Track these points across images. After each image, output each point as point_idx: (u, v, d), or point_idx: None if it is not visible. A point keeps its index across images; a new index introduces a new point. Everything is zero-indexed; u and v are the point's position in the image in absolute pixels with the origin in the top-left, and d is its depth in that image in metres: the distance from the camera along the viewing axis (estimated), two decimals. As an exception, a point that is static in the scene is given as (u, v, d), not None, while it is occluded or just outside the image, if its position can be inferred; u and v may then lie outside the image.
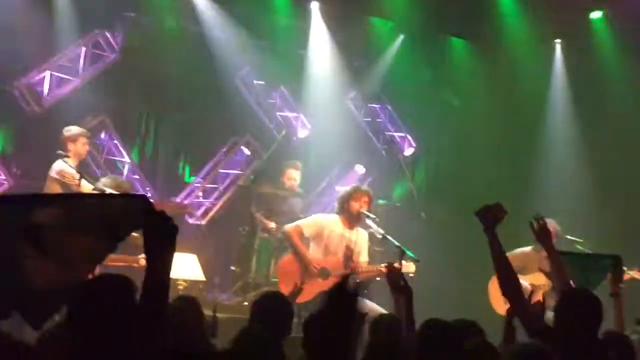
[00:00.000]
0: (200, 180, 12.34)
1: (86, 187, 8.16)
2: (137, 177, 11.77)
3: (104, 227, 3.39)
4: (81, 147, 8.98)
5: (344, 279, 3.22)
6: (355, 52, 12.88)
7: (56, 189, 8.29)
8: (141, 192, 11.03)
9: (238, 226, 10.97)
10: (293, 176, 10.74)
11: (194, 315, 4.87)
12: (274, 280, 9.47)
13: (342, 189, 8.85)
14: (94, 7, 11.15)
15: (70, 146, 8.88)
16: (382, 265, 8.31)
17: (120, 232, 3.41)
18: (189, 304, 4.97)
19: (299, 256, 8.51)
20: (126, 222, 3.38)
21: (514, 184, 12.44)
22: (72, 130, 9.05)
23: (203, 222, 12.07)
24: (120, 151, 11.80)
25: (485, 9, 12.04)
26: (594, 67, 12.33)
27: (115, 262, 7.00)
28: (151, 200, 3.35)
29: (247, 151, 12.57)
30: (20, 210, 3.42)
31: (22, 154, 10.93)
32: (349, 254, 8.55)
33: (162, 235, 3.25)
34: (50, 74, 11.17)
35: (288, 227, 8.71)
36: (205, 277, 9.30)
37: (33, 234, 3.33)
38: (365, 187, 8.78)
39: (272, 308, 5.13)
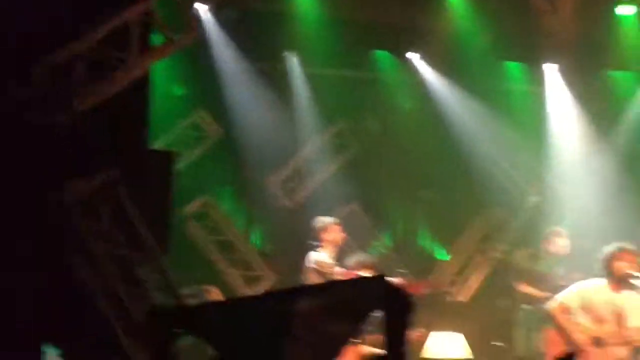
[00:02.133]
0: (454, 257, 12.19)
1: (340, 274, 8.30)
2: (391, 259, 11.82)
3: (349, 312, 3.42)
4: (335, 235, 9.16)
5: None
6: (598, 109, 12.40)
7: (314, 279, 8.48)
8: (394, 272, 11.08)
9: (498, 300, 10.74)
10: (562, 244, 10.40)
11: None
12: (538, 352, 9.13)
13: (604, 249, 8.39)
14: (332, 99, 11.49)
15: (324, 236, 9.09)
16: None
17: (361, 315, 3.45)
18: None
19: (565, 335, 8.11)
20: (367, 304, 3.39)
21: None
22: (322, 220, 9.28)
23: (463, 298, 11.87)
24: (373, 236, 11.91)
25: None
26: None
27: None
28: (390, 279, 3.38)
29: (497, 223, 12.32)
30: (284, 302, 3.55)
31: (281, 250, 11.31)
32: (620, 320, 8.08)
33: (403, 313, 3.25)
34: (299, 169, 11.54)
35: (552, 307, 8.34)
36: (474, 355, 9.12)
37: (294, 322, 3.41)
38: (629, 245, 8.30)
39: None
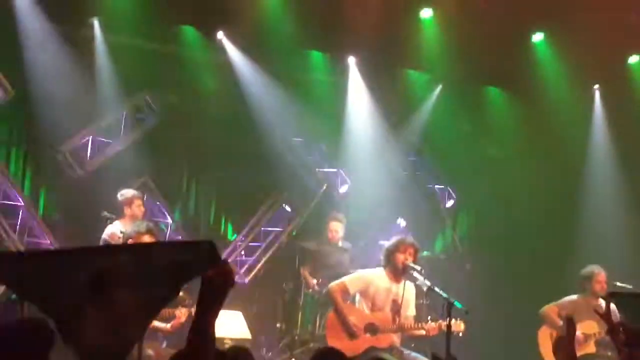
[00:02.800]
0: (243, 238, 12.35)
1: None
2: (180, 237, 11.81)
3: (169, 275, 3.39)
4: (137, 209, 9.05)
5: None
6: (393, 105, 12.88)
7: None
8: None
9: (282, 283, 10.97)
10: (335, 228, 10.81)
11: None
12: (319, 335, 9.41)
13: (387, 242, 8.77)
14: (134, 70, 11.28)
15: (127, 210, 8.97)
16: (431, 324, 8.25)
17: (182, 280, 3.42)
18: (243, 353, 4.95)
19: (341, 316, 8.42)
20: (190, 269, 3.37)
21: (557, 233, 12.36)
22: (126, 193, 9.15)
23: (246, 280, 12.06)
24: (163, 212, 11.86)
25: (522, 56, 12.02)
26: (634, 112, 12.27)
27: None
28: (216, 246, 3.33)
29: (288, 208, 12.58)
30: (89, 259, 3.47)
31: (67, 219, 11.04)
32: (397, 309, 8.47)
33: (220, 286, 3.26)
34: (93, 138, 11.30)
35: (332, 285, 8.63)
36: (251, 335, 9.26)
37: (98, 284, 3.35)
38: (410, 239, 8.72)
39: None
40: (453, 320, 7.85)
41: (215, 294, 3.27)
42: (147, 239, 7.83)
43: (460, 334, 8.15)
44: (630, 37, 11.42)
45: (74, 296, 3.37)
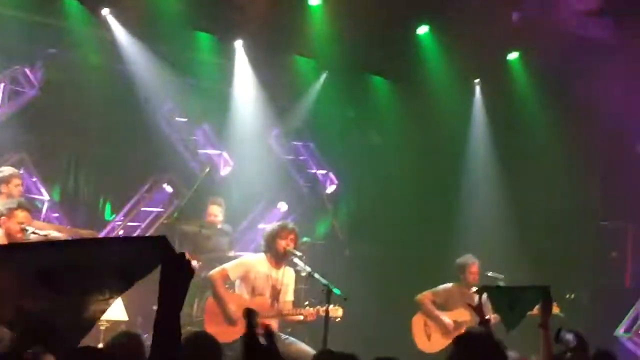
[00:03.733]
0: (122, 218, 12.18)
1: None
2: (57, 215, 11.57)
3: (120, 270, 3.38)
4: (14, 188, 8.76)
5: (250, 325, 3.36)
6: (279, 90, 12.90)
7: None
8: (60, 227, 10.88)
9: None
10: (214, 212, 10.82)
11: (138, 352, 4.83)
12: (198, 319, 9.38)
13: (267, 226, 8.82)
14: (13, 43, 10.96)
15: (3, 188, 8.68)
16: (309, 309, 8.34)
17: (135, 274, 3.41)
18: (132, 340, 4.93)
19: (221, 303, 8.42)
20: (142, 264, 3.36)
21: (435, 222, 12.65)
22: (4, 171, 8.86)
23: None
24: (39, 189, 11.57)
25: (406, 47, 12.22)
26: (512, 106, 12.64)
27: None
28: (168, 241, 3.33)
29: (169, 189, 12.47)
30: (34, 256, 3.40)
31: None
32: (275, 294, 8.53)
33: (180, 278, 3.26)
34: (-32, 110, 10.95)
35: (213, 272, 8.62)
36: (128, 317, 9.16)
37: (47, 277, 3.30)
38: (291, 224, 8.78)
39: (201, 349, 5.07)
40: (331, 306, 7.96)
41: (176, 286, 3.26)
42: (19, 214, 7.68)
43: (338, 320, 8.27)
44: (511, 34, 11.74)
45: (23, 292, 3.35)
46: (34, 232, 8.18)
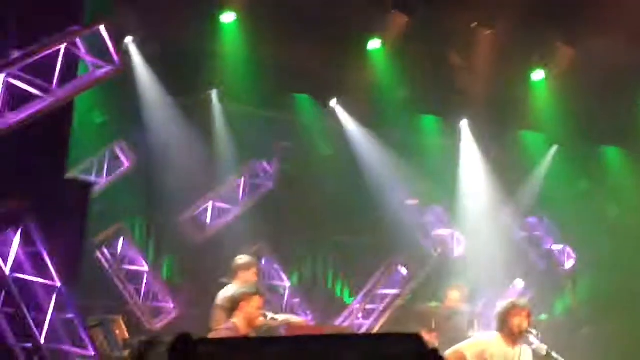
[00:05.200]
0: (360, 301, 12.41)
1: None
2: (297, 300, 11.97)
3: None
4: (251, 276, 9.17)
5: None
6: (508, 166, 12.83)
7: (221, 317, 8.49)
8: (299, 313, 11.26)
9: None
10: (454, 298, 10.77)
11: None
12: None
13: (499, 305, 8.69)
14: (251, 138, 11.63)
15: (242, 274, 9.10)
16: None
17: None
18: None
19: None
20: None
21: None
22: (244, 259, 9.32)
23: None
24: (280, 276, 12.04)
25: (636, 114, 11.85)
26: None
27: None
28: (424, 340, 3.31)
29: (404, 270, 12.59)
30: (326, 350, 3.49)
31: (188, 283, 11.35)
32: (513, 373, 8.36)
33: None
34: (212, 204, 11.65)
35: (448, 353, 8.55)
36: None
37: None
38: (523, 301, 8.62)
39: None
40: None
41: None
42: (257, 299, 7.94)
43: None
44: None
45: None
46: (272, 318, 8.52)
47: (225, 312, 8.40)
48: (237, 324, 7.75)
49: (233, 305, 7.91)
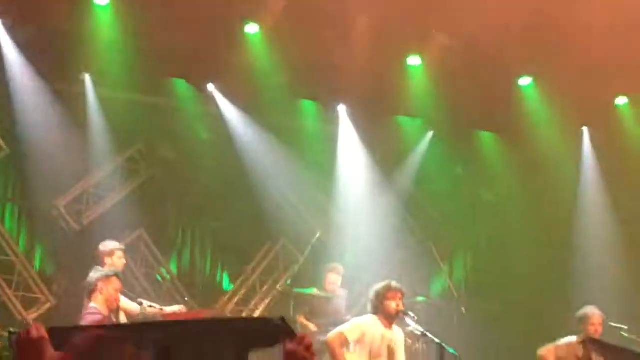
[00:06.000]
0: (239, 287, 12.36)
1: (123, 301, 8.26)
2: (176, 287, 11.84)
3: (236, 350, 3.43)
4: (117, 260, 9.09)
5: None
6: (385, 151, 12.99)
7: (87, 303, 8.30)
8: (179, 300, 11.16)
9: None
10: (333, 280, 10.85)
11: None
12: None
13: (375, 287, 8.77)
14: (127, 123, 11.42)
15: (107, 260, 9.00)
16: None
17: (248, 350, 3.44)
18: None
19: None
20: (260, 344, 3.42)
21: (552, 273, 12.39)
22: (107, 244, 9.21)
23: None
24: (159, 263, 11.89)
25: (510, 100, 12.16)
26: (623, 152, 12.36)
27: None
28: (289, 324, 3.37)
29: (283, 255, 12.60)
30: (155, 333, 3.50)
31: (63, 273, 11.07)
32: (392, 355, 8.48)
33: (302, 357, 3.28)
34: (88, 192, 11.38)
35: (331, 336, 8.60)
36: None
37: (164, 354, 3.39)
38: (396, 283, 8.75)
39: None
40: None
41: None
42: (113, 281, 7.86)
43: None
44: (617, 78, 11.54)
45: None
46: (150, 305, 8.42)
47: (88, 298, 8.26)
48: (98, 308, 7.70)
49: (91, 289, 7.82)
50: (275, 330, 3.34)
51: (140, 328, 3.85)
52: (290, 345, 3.29)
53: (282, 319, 3.38)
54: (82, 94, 11.09)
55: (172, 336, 3.44)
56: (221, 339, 3.43)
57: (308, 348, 3.31)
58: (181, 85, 11.60)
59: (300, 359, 3.28)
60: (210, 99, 11.75)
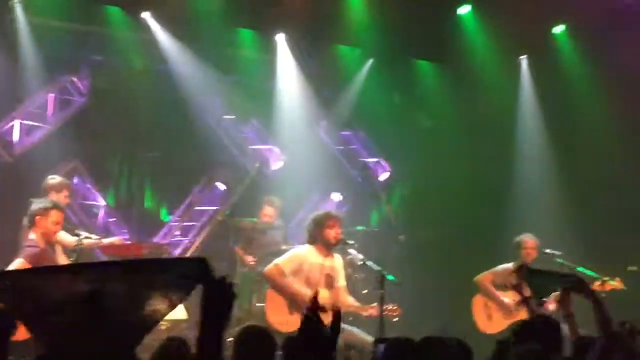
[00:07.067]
0: (177, 218, 12.30)
1: (59, 234, 8.11)
2: (113, 219, 11.72)
3: (161, 291, 3.35)
4: (63, 198, 8.90)
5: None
6: (324, 81, 12.89)
7: (27, 236, 8.17)
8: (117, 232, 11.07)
9: (218, 262, 10.93)
10: (268, 213, 10.85)
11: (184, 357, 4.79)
12: (256, 312, 9.42)
13: (313, 216, 8.75)
14: (59, 52, 11.13)
15: (52, 195, 8.79)
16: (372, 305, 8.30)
17: (177, 295, 3.37)
18: (178, 345, 4.89)
19: (289, 294, 8.39)
20: (183, 285, 3.35)
21: (490, 202, 12.52)
22: (57, 179, 9.02)
23: (183, 259, 11.98)
24: (94, 195, 11.74)
25: (449, 29, 12.14)
26: (560, 81, 12.46)
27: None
28: (208, 262, 3.28)
29: (222, 186, 12.53)
30: (80, 276, 3.42)
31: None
32: (330, 283, 8.52)
33: (221, 299, 3.23)
34: (20, 122, 11.12)
35: (268, 269, 8.58)
36: (188, 315, 9.22)
37: (95, 300, 3.30)
38: (335, 212, 8.76)
39: (255, 343, 5.08)
40: (392, 306, 7.99)
41: (217, 308, 3.22)
42: (55, 213, 7.73)
43: (395, 320, 8.22)
44: (554, 7, 11.57)
45: (66, 312, 3.32)
46: (87, 237, 8.30)
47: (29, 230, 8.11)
48: (36, 240, 7.61)
49: (30, 220, 7.69)
50: (195, 270, 3.28)
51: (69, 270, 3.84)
52: (210, 287, 3.22)
53: (203, 259, 3.30)
54: (12, 21, 10.71)
55: (100, 279, 3.35)
56: (146, 283, 3.35)
57: (229, 288, 3.25)
58: (115, 13, 11.29)
59: (220, 300, 3.22)
60: (145, 27, 11.47)
